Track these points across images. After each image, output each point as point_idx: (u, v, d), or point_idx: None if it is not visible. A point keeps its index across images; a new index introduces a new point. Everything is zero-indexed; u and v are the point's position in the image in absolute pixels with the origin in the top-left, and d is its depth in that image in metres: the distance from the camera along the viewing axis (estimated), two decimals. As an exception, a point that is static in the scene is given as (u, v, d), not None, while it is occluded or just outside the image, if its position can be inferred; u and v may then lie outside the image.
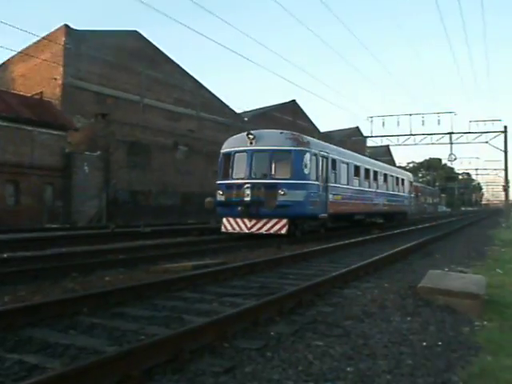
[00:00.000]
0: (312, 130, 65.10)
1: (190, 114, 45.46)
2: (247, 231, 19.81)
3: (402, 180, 39.28)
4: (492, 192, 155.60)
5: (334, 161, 23.61)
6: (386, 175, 34.00)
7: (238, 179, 20.29)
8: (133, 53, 40.04)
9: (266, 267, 11.53)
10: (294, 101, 63.87)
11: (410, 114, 44.98)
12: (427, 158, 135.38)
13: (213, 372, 4.58)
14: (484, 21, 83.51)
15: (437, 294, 8.18)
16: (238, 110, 53.30)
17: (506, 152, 44.33)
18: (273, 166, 20.04)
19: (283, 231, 19.25)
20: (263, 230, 19.53)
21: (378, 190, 31.67)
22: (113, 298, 7.40)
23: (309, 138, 22.20)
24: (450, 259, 14.67)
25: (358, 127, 76.81)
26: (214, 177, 42.26)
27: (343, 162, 25.17)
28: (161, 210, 38.23)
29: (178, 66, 44.55)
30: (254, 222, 19.66)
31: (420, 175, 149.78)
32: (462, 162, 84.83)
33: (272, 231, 19.39)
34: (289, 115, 61.29)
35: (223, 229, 20.55)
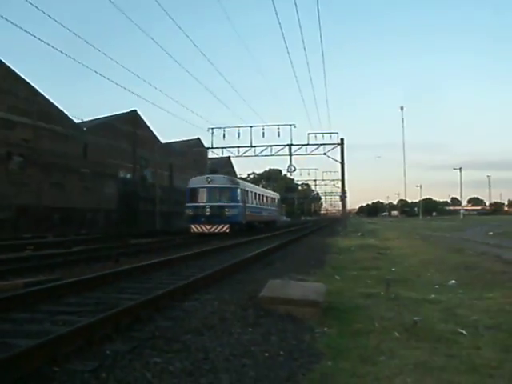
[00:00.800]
0: (153, 140, 64.45)
1: (26, 122, 42.89)
2: (206, 231, 34.90)
3: (274, 199, 60.06)
4: (330, 202, 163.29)
5: (247, 191, 41.56)
6: (267, 197, 53.75)
7: (201, 203, 36.35)
8: (-46, 54, 36.99)
9: (103, 282, 11.05)
10: (134, 111, 62.74)
11: (251, 126, 45.89)
12: (267, 169, 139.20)
13: (39, 402, 4.17)
14: (321, 35, 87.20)
15: (278, 304, 8.27)
16: (77, 120, 51.32)
17: (342, 163, 46.69)
18: (221, 196, 36.77)
19: (227, 231, 34.90)
20: (216, 230, 34.85)
21: (264, 207, 50.56)
22: None
23: (238, 179, 44.74)
24: (291, 268, 15.02)
25: (199, 138, 77.09)
26: (51, 189, 40.57)
27: (250, 191, 43.50)
28: (-7, 225, 35.75)
29: (10, 70, 41.82)
30: (210, 226, 35.23)
31: (261, 186, 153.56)
32: (302, 173, 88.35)
33: (221, 231, 34.80)
34: (129, 125, 60.13)
35: (191, 231, 35.51)
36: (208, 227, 35.11)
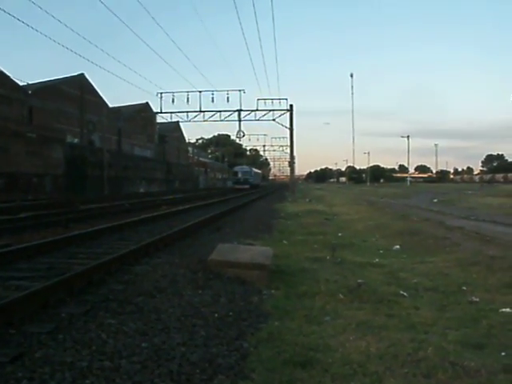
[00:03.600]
0: (101, 104, 63.31)
1: (-36, 84, 41.44)
2: (240, 187, 73.63)
3: (260, 173, 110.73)
4: (279, 167, 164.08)
5: (254, 171, 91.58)
6: (258, 173, 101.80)
7: (239, 176, 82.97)
8: None
9: (54, 247, 11.06)
10: (82, 74, 61.34)
11: (200, 91, 45.81)
12: (216, 134, 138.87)
13: (-3, 363, 4.29)
14: (272, 1, 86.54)
15: (226, 267, 8.51)
16: (22, 83, 49.79)
17: (291, 129, 47.01)
18: (246, 174, 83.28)
19: (248, 187, 75.38)
20: (244, 187, 74.49)
21: (257, 177, 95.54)
22: None
23: (252, 167, 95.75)
24: (239, 233, 15.27)
25: (147, 103, 76.07)
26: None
27: (255, 172, 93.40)
28: None
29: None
30: (242, 186, 75.62)
31: (209, 151, 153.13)
32: (250, 139, 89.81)
33: (245, 188, 74.30)
34: (77, 89, 58.92)
35: (235, 187, 75.77)
36: (241, 186, 74.46)
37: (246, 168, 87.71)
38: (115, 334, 5.20)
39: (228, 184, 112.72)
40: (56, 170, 43.57)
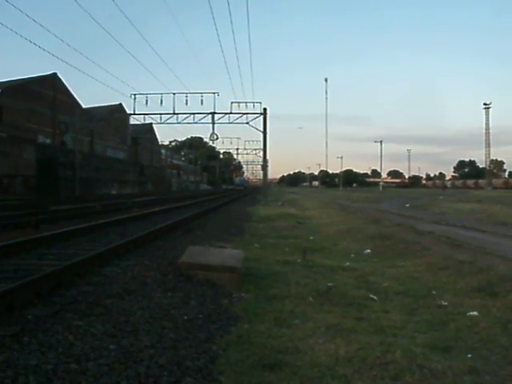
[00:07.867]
0: (74, 105, 62.88)
1: None
2: (239, 188, 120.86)
3: (247, 180, 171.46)
4: (252, 171, 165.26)
5: (246, 179, 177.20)
6: (247, 180, 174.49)
7: (238, 183, 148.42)
8: None
9: (23, 249, 10.88)
10: (55, 74, 60.73)
11: (174, 93, 45.72)
12: (190, 136, 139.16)
13: (-42, 368, 4.18)
14: (248, 3, 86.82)
15: (197, 269, 8.47)
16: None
17: (265, 133, 47.00)
18: (241, 181, 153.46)
19: (242, 188, 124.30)
20: (240, 188, 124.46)
21: (246, 183, 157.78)
22: None
23: (244, 178, 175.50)
24: (211, 235, 15.24)
25: (121, 104, 75.58)
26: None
27: (246, 179, 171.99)
28: None
29: None
30: (239, 188, 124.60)
31: (183, 154, 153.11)
32: (224, 142, 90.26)
33: (241, 188, 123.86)
34: (49, 89, 58.33)
35: (236, 189, 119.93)
36: (238, 188, 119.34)
37: (242, 178, 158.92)
38: (83, 336, 5.12)
39: (201, 187, 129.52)
40: (27, 171, 43.05)
